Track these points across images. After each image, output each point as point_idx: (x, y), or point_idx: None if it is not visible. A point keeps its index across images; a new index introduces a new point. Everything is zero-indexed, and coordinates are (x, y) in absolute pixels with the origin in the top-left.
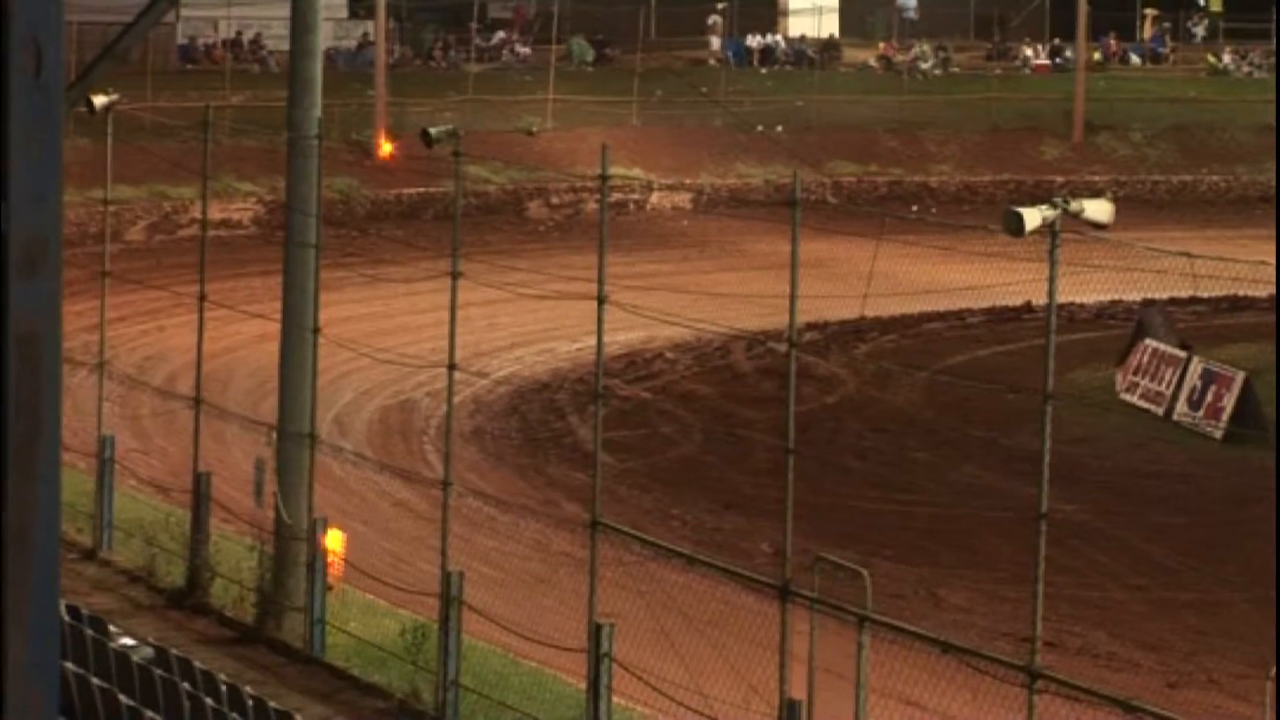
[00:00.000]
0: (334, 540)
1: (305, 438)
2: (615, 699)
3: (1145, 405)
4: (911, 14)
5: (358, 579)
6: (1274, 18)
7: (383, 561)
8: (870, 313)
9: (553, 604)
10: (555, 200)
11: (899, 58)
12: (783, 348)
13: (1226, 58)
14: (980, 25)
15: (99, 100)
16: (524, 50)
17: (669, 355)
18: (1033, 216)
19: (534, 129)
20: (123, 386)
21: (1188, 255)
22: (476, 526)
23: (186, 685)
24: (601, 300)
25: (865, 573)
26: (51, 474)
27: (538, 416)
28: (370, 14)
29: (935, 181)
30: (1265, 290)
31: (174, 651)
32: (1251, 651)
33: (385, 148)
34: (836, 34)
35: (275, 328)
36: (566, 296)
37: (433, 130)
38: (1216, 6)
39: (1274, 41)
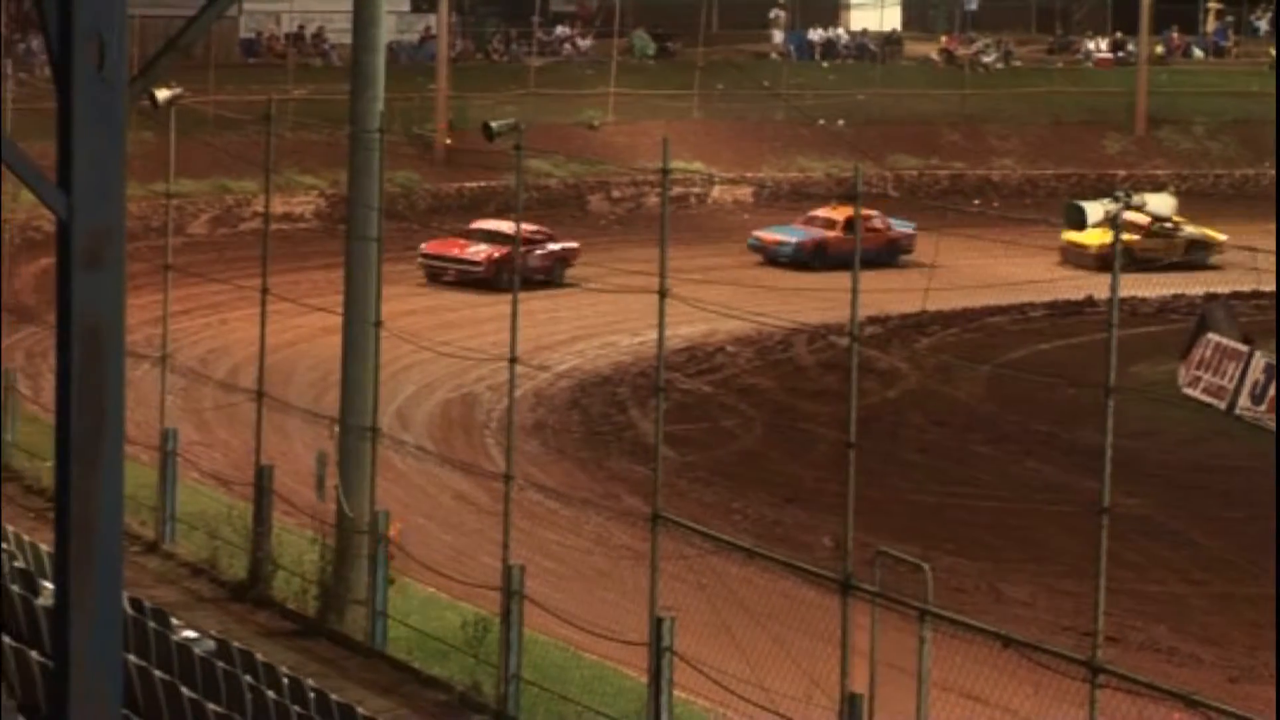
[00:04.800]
0: (396, 533)
1: (367, 431)
2: (676, 693)
3: (1207, 399)
4: (973, 7)
5: (419, 572)
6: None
7: (444, 555)
8: (932, 306)
9: (614, 597)
10: (616, 194)
11: (961, 51)
12: (844, 341)
13: None
14: (1042, 19)
15: (162, 94)
16: (585, 44)
17: (730, 349)
18: (1095, 210)
19: (596, 123)
20: (185, 380)
21: (1251, 250)
22: (538, 520)
23: (248, 678)
24: (663, 294)
25: (926, 567)
26: (115, 466)
27: (599, 410)
28: (433, 7)
29: (997, 175)
30: None
31: (236, 644)
32: None
33: (447, 141)
34: (898, 27)
35: (337, 321)
36: (628, 290)
37: (494, 124)
38: None
39: None
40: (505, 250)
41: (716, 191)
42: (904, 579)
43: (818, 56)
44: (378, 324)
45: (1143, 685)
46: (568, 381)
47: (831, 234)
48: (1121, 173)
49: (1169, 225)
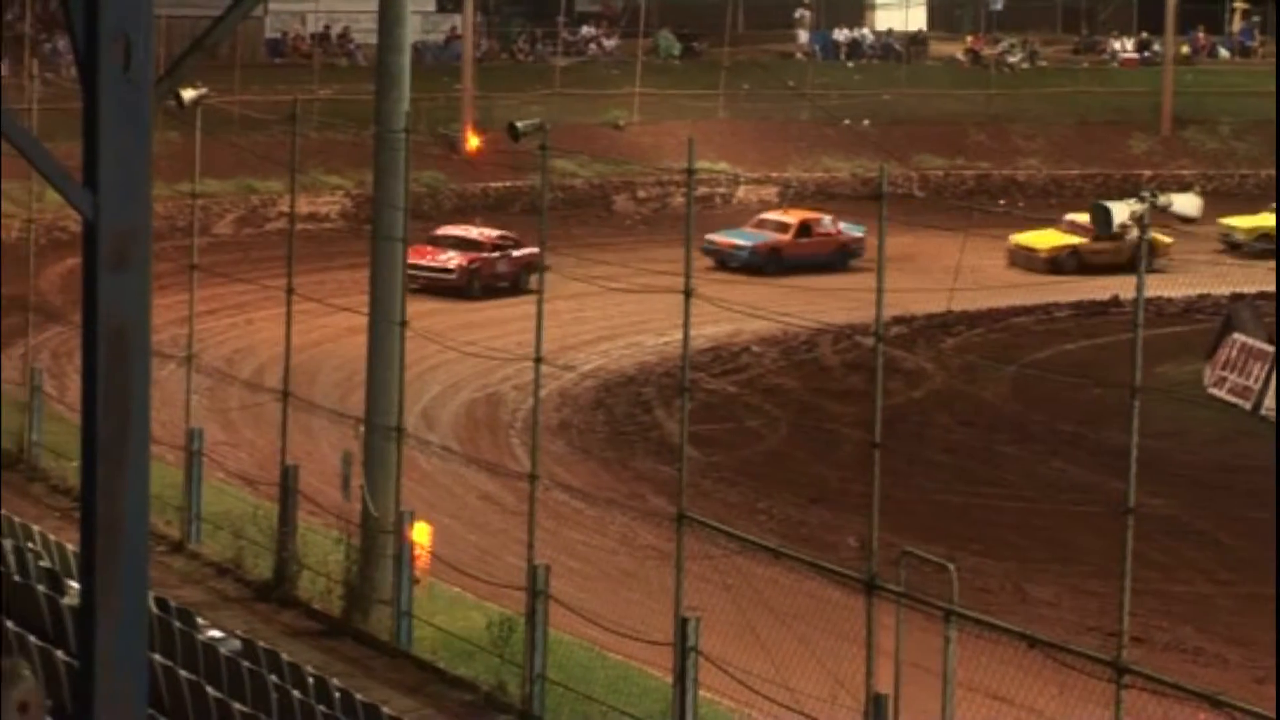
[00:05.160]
0: (421, 533)
1: (392, 431)
2: (701, 693)
3: (1233, 399)
4: (999, 7)
5: (445, 572)
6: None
7: (469, 555)
8: (957, 306)
9: (639, 598)
10: (642, 194)
11: (986, 51)
12: (869, 341)
13: None
14: (1068, 18)
15: (188, 94)
16: (611, 44)
17: (755, 349)
18: (1121, 210)
19: (621, 123)
20: (211, 380)
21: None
22: (563, 520)
23: (274, 677)
24: (688, 294)
25: (952, 567)
26: (140, 466)
27: (624, 410)
28: (458, 7)
29: (1023, 175)
30: None
31: (261, 644)
32: None
33: (472, 141)
34: (924, 27)
35: (363, 321)
36: (653, 290)
37: (520, 124)
38: None
39: None
40: (476, 256)
41: (742, 192)
42: (929, 579)
43: (843, 56)
44: (403, 324)
45: (1168, 686)
46: (593, 381)
47: (784, 238)
48: (1147, 173)
49: (1118, 230)
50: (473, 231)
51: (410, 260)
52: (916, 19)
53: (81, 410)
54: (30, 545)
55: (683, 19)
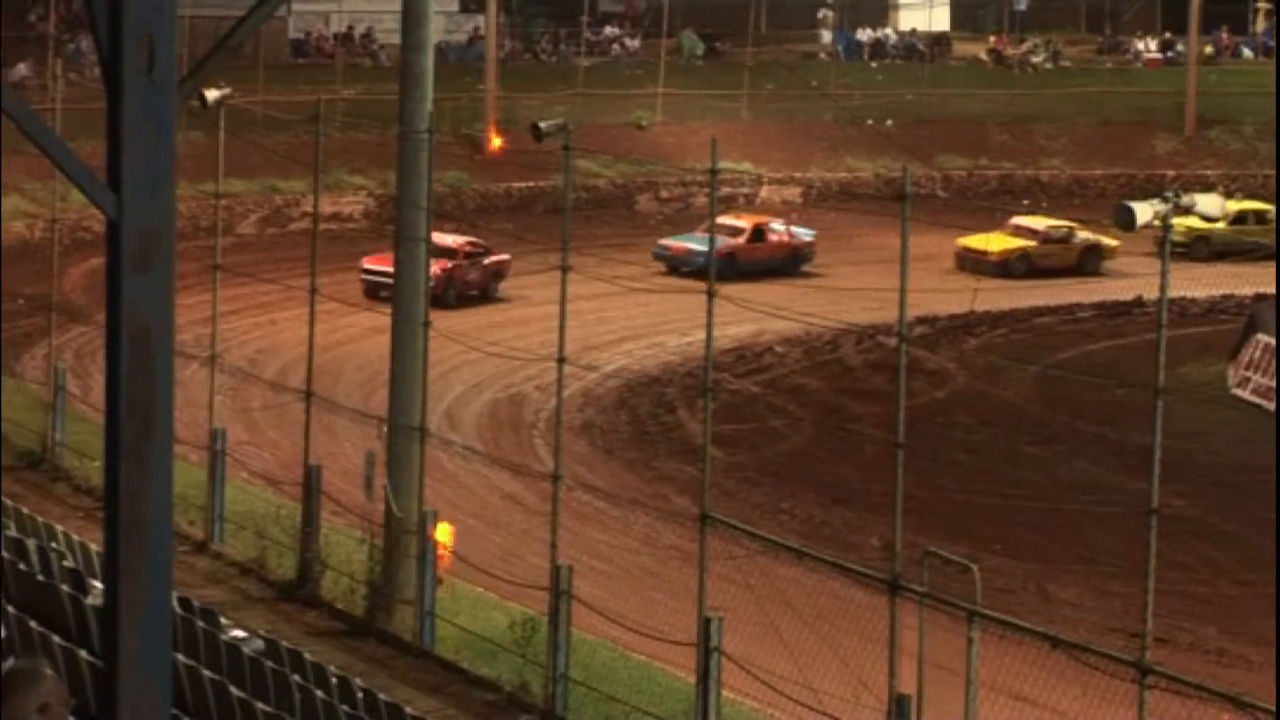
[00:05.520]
0: (444, 533)
1: (416, 431)
2: (724, 693)
3: (1257, 400)
4: (1022, 7)
5: (468, 572)
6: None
7: (492, 555)
8: (980, 307)
9: (662, 598)
10: (665, 194)
11: (1010, 51)
12: (892, 342)
13: None
14: (1092, 19)
15: (211, 94)
16: (634, 44)
17: (778, 349)
18: (1144, 211)
19: (644, 123)
20: (234, 380)
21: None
22: (586, 520)
23: (297, 677)
24: (711, 294)
25: (975, 567)
26: (164, 466)
27: (647, 410)
28: (481, 8)
29: (1046, 175)
30: None
31: (284, 644)
32: None
33: (495, 141)
34: (947, 27)
35: (386, 321)
36: (676, 290)
37: (543, 124)
38: None
39: None
40: (450, 265)
41: (765, 192)
42: (952, 579)
43: (866, 57)
44: (426, 324)
45: (1192, 686)
46: (616, 381)
47: (739, 242)
48: (1171, 173)
49: (1062, 230)
50: (446, 238)
51: (385, 266)
52: (940, 19)
53: (105, 410)
54: (54, 545)
55: (706, 19)
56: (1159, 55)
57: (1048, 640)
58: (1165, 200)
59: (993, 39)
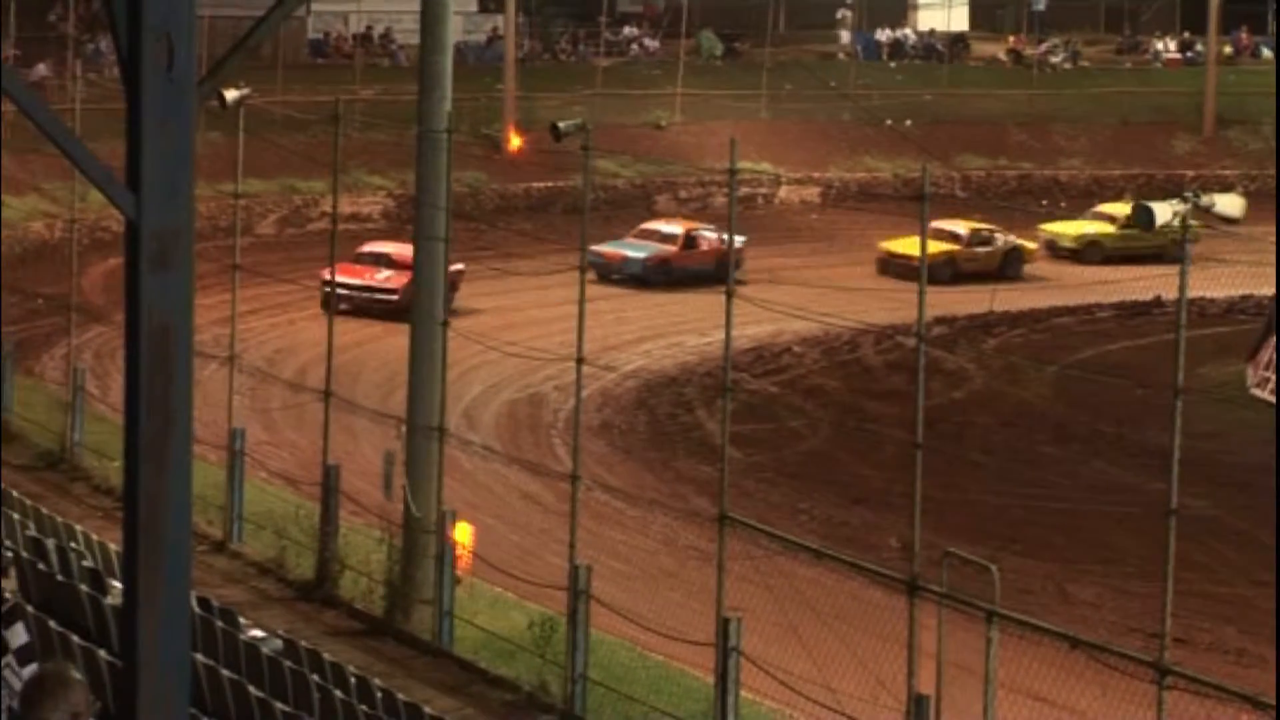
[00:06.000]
0: (463, 533)
1: (434, 431)
2: (743, 693)
3: (1275, 400)
4: (1041, 7)
5: (486, 572)
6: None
7: (511, 555)
8: (999, 307)
9: (680, 598)
10: (683, 194)
11: (1028, 51)
12: (911, 342)
13: None
14: (1111, 19)
15: (230, 94)
16: (653, 44)
17: (797, 349)
18: (1164, 211)
19: (663, 123)
20: (253, 379)
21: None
22: (604, 520)
23: (315, 677)
24: (730, 294)
25: (994, 568)
26: (183, 466)
27: (665, 410)
28: (500, 8)
29: (1065, 175)
30: None
31: (303, 643)
32: None
33: (514, 141)
34: (966, 28)
35: (404, 321)
36: (694, 290)
37: (561, 124)
38: None
39: None
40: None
41: (784, 192)
42: (971, 580)
43: (885, 57)
44: (445, 324)
45: (1211, 687)
46: (634, 381)
47: (673, 249)
48: (1190, 173)
49: (984, 233)
50: (406, 250)
51: (340, 278)
52: (959, 19)
53: (124, 410)
54: (73, 545)
55: (724, 19)
56: (1178, 55)
57: (1067, 640)
58: (1184, 200)
59: (1011, 39)
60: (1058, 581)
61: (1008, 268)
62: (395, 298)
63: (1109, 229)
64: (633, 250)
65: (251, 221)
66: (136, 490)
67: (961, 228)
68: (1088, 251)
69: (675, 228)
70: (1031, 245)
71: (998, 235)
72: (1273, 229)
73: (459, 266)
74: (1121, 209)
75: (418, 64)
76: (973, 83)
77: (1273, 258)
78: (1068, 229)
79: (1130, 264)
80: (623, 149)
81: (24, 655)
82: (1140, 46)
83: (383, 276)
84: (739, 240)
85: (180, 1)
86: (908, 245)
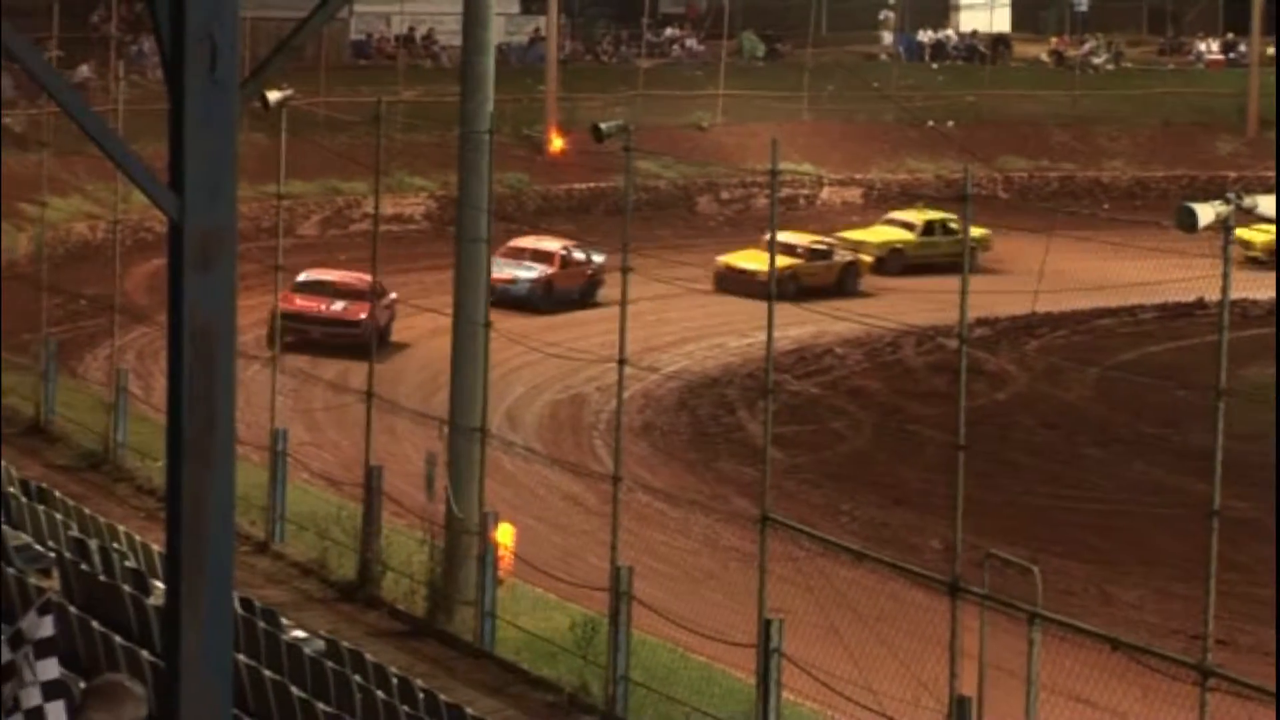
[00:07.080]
0: (504, 534)
1: (476, 432)
2: (785, 694)
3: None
4: (1084, 8)
5: (528, 573)
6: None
7: (553, 556)
8: (1041, 308)
9: (722, 599)
10: (725, 195)
11: (1071, 52)
12: (953, 343)
13: None
14: (1153, 20)
15: (273, 96)
16: (694, 45)
17: (839, 350)
18: (1206, 212)
19: (705, 124)
20: (296, 380)
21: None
22: (646, 521)
23: (358, 678)
24: (772, 296)
25: (1036, 569)
26: (225, 466)
27: (707, 412)
28: (542, 9)
29: (1107, 177)
30: None
31: (345, 644)
32: None
33: (556, 143)
34: (1008, 29)
35: (447, 322)
36: (736, 291)
37: (603, 125)
38: None
39: None
40: (364, 305)
41: (825, 193)
42: (1013, 581)
43: (927, 58)
44: (487, 325)
45: (1253, 689)
46: (676, 383)
47: (553, 270)
48: (1232, 174)
49: (820, 247)
50: (347, 276)
51: (299, 310)
52: (1001, 20)
53: (167, 410)
54: (116, 545)
55: (766, 20)
56: (1221, 56)
57: (1108, 642)
58: (1228, 202)
59: (1054, 40)
60: (1099, 583)
61: (846, 282)
62: (357, 331)
63: (909, 237)
64: (519, 271)
65: (294, 222)
66: (179, 491)
67: (801, 240)
68: (890, 260)
69: (550, 244)
70: (867, 259)
71: (835, 249)
72: None
73: (391, 296)
74: (918, 216)
75: (460, 65)
76: (1015, 84)
77: None
78: (870, 237)
79: (930, 273)
80: (664, 150)
81: (44, 648)
82: (1183, 47)
83: (339, 307)
84: (598, 257)
85: (224, 3)
86: (744, 259)
